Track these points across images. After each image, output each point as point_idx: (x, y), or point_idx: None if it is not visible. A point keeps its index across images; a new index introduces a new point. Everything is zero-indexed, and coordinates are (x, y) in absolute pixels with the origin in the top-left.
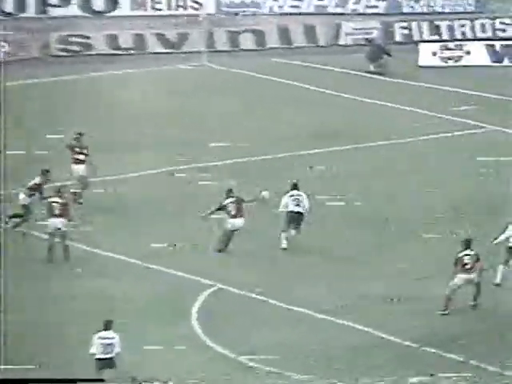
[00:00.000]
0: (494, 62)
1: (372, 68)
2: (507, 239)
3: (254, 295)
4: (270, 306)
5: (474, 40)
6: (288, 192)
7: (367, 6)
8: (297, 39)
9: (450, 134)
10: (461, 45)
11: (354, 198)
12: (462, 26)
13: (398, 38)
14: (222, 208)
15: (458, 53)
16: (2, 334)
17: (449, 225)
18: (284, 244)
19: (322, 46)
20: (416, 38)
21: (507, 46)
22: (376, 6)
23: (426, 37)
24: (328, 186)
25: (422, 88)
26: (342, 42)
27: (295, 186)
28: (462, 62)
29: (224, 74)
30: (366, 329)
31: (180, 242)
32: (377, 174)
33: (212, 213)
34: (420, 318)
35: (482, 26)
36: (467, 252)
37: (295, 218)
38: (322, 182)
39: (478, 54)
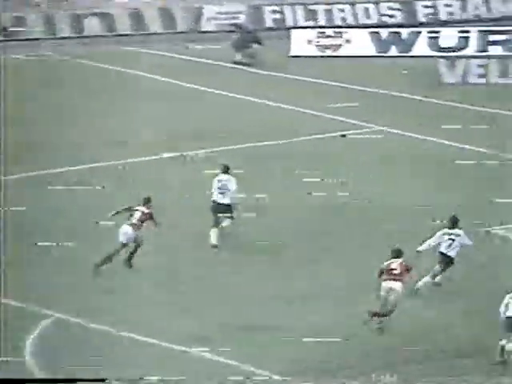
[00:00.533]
0: (379, 51)
1: (239, 58)
2: (439, 245)
3: (103, 326)
4: (122, 339)
5: (355, 27)
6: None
7: None
8: (151, 25)
9: (329, 135)
10: (340, 32)
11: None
12: (342, 10)
13: (268, 23)
14: (129, 210)
15: (337, 41)
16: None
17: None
18: (213, 240)
19: (180, 33)
20: (289, 23)
21: (394, 33)
22: None
23: (300, 23)
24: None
25: (295, 81)
26: (204, 27)
27: (226, 169)
28: (342, 52)
29: (67, 64)
30: (230, 361)
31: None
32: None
33: (118, 213)
34: (291, 347)
35: (366, 10)
36: (394, 261)
37: (221, 210)
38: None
39: (360, 43)
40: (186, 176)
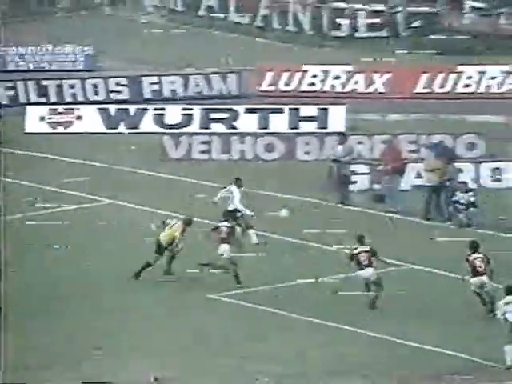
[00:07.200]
0: (109, 127)
1: None
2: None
3: None
4: None
5: (85, 103)
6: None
7: None
8: None
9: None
10: (72, 109)
11: None
12: (72, 86)
13: (4, 100)
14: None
15: (68, 118)
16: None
17: None
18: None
19: None
20: (22, 100)
21: (123, 109)
22: None
23: (33, 99)
24: None
25: (30, 157)
26: None
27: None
28: (74, 128)
29: None
30: None
31: None
32: None
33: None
34: None
35: (95, 86)
36: (477, 255)
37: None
38: None
39: (90, 119)
40: None
